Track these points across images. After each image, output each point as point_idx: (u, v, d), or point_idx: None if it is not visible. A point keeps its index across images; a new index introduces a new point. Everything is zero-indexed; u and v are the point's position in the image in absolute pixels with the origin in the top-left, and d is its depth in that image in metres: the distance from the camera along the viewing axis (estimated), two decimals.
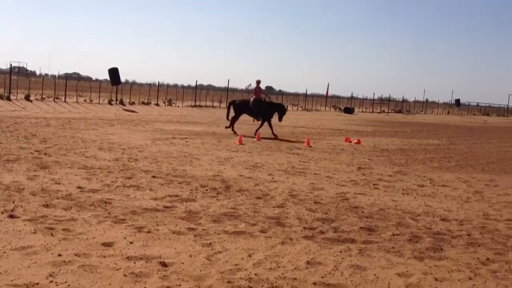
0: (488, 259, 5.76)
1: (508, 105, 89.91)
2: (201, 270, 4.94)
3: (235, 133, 20.21)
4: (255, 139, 18.61)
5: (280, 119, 20.86)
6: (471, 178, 11.91)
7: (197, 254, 5.39)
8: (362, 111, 60.19)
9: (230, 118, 21.24)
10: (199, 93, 44.65)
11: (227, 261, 5.25)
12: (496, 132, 34.43)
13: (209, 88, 75.95)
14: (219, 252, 5.52)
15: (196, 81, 46.87)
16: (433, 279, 5.04)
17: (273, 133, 20.20)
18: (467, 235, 6.76)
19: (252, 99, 21.36)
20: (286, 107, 22.48)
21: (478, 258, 5.76)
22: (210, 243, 5.78)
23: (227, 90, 50.26)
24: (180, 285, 4.54)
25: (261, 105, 20.96)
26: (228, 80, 52.83)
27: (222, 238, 6.01)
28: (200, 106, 42.12)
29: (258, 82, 21.51)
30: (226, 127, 21.31)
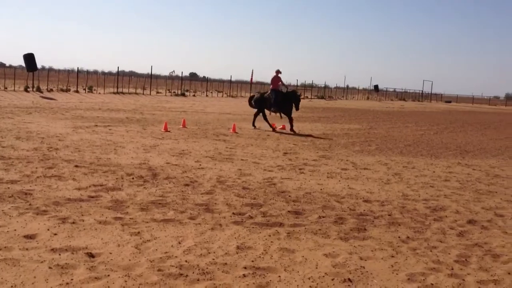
0: (408, 237, 6.08)
1: (422, 91, 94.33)
2: (130, 260, 4.87)
3: (255, 127, 19.28)
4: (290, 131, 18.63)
5: (297, 108, 19.53)
6: (390, 161, 12.46)
7: (126, 244, 5.30)
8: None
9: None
10: (121, 79, 43.49)
11: (156, 249, 5.20)
12: (412, 116, 36.11)
13: (132, 74, 74.25)
14: (148, 240, 5.45)
15: (118, 68, 45.59)
16: (358, 258, 5.25)
17: (292, 129, 18.76)
18: (388, 215, 7.08)
19: (269, 91, 19.79)
20: (299, 93, 20.81)
21: (399, 237, 6.06)
22: (139, 232, 5.70)
23: (150, 77, 49.30)
24: (108, 275, 4.45)
25: (278, 96, 19.25)
26: (151, 67, 51.83)
27: (150, 227, 5.94)
28: (122, 93, 41.06)
29: (278, 72, 19.69)
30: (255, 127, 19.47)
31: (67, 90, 37.59)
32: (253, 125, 19.55)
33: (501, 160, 13.88)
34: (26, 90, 34.12)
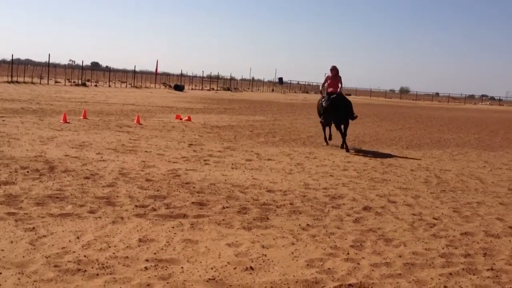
0: (308, 225, 6.29)
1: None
2: (24, 256, 4.63)
3: (327, 143, 14.79)
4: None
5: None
6: (293, 152, 12.81)
7: (19, 240, 5.03)
8: (192, 89, 60.75)
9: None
10: (16, 68, 40.97)
11: (53, 245, 4.99)
12: (315, 108, 37.32)
13: (28, 63, 70.26)
14: (44, 236, 5.22)
15: (12, 55, 42.93)
16: (260, 246, 5.36)
17: (345, 146, 13.85)
18: (290, 204, 7.28)
19: (325, 98, 14.24)
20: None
21: (299, 225, 6.26)
22: (34, 228, 5.43)
23: (48, 65, 46.89)
24: (1, 273, 4.20)
25: (344, 103, 14.11)
26: (49, 55, 49.31)
27: (47, 222, 5.68)
28: (17, 82, 38.71)
29: (334, 69, 14.19)
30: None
31: None
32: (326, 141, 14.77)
33: (394, 150, 14.74)
34: None
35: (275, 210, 6.88)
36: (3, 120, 15.02)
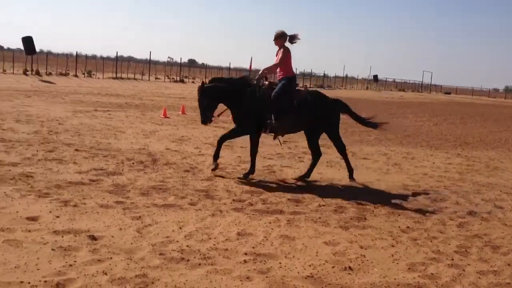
0: (408, 227, 6.11)
1: (422, 82, 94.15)
2: (132, 243, 4.89)
3: None
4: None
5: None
6: (390, 151, 12.48)
7: (127, 227, 5.32)
8: None
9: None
10: (120, 64, 43.33)
11: (158, 234, 5.22)
12: (411, 107, 36.11)
13: (130, 59, 73.96)
14: (149, 225, 5.48)
15: (117, 53, 45.45)
16: (359, 246, 5.29)
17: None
18: (388, 205, 7.11)
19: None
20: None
21: (399, 227, 6.09)
22: (140, 216, 5.72)
23: (149, 62, 49.13)
24: (111, 258, 4.47)
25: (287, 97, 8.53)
26: (150, 52, 51.62)
27: (151, 211, 5.96)
28: (121, 78, 40.93)
29: (277, 37, 8.31)
30: None
31: (66, 74, 37.46)
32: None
33: (500, 152, 13.91)
34: (25, 73, 33.98)
35: (373, 211, 6.75)
36: (109, 114, 15.95)
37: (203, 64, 75.73)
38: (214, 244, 5.03)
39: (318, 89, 57.90)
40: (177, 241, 5.03)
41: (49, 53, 54.92)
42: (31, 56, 35.26)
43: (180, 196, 6.74)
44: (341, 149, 8.74)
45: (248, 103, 8.18)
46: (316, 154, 8.67)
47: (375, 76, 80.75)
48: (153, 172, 8.04)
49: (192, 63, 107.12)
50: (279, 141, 8.91)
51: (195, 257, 4.66)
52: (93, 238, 4.90)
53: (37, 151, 8.87)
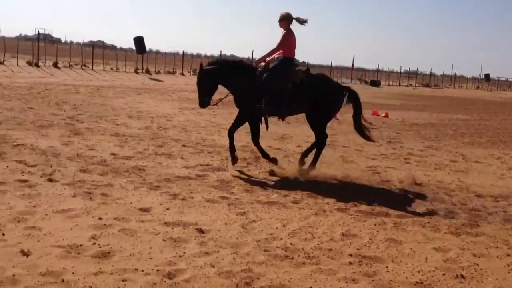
0: None
1: None
2: (237, 238, 4.99)
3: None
4: None
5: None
6: (504, 155, 11.69)
7: (232, 222, 5.43)
8: (389, 85, 59.38)
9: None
10: None
11: (262, 230, 5.28)
12: None
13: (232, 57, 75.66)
14: (253, 221, 5.55)
15: (221, 51, 46.78)
16: (471, 254, 5.00)
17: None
18: (503, 211, 6.66)
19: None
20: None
21: None
22: (244, 212, 5.82)
23: (251, 61, 49.94)
24: (218, 251, 4.59)
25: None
26: (253, 51, 52.47)
27: (255, 208, 6.04)
28: None
29: (288, 19, 8.01)
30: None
31: (173, 73, 39.12)
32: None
33: None
34: (136, 71, 35.96)
35: (486, 217, 6.35)
36: (213, 111, 16.39)
37: (304, 62, 75.71)
38: (318, 244, 5.00)
39: (424, 88, 55.68)
40: (281, 239, 5.06)
41: (157, 52, 57.71)
42: (141, 55, 37.21)
43: (283, 194, 6.77)
44: (320, 141, 8.28)
45: (245, 87, 7.97)
46: (322, 139, 8.35)
47: (487, 75, 76.23)
48: (256, 169, 8.16)
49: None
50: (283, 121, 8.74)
51: (299, 256, 4.65)
52: (201, 231, 5.06)
53: (148, 145, 9.33)
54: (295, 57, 8.17)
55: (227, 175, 7.59)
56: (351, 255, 4.77)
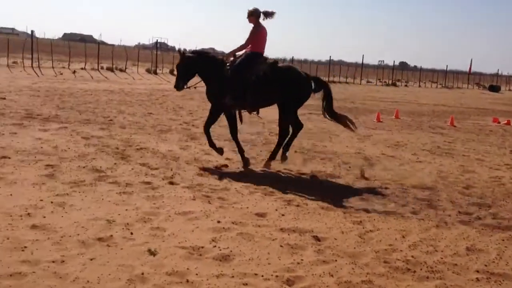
0: None
1: None
2: (355, 248, 4.88)
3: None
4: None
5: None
6: None
7: (349, 231, 5.33)
8: (510, 90, 55.59)
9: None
10: (331, 68, 44.20)
11: (380, 241, 5.13)
12: None
13: (341, 63, 75.00)
14: (370, 231, 5.41)
15: (330, 57, 46.49)
16: None
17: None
18: None
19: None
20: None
21: None
22: (361, 221, 5.69)
23: (361, 66, 49.16)
24: (336, 260, 4.52)
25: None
26: (363, 56, 51.65)
27: (372, 217, 5.89)
28: (333, 81, 41.69)
29: (257, 15, 8.18)
30: None
31: None
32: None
33: None
34: None
35: None
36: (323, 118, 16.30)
37: (415, 66, 73.18)
38: (442, 258, 4.75)
39: None
40: (401, 250, 4.87)
41: None
42: None
43: (401, 203, 6.54)
44: (284, 130, 8.34)
45: (214, 80, 8.17)
46: (295, 127, 8.46)
47: None
48: (370, 177, 7.96)
49: (403, 66, 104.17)
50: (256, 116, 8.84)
51: (421, 269, 4.45)
52: (317, 238, 5.02)
53: (260, 151, 9.47)
54: (263, 50, 8.29)
55: (341, 182, 7.49)
56: (478, 271, 4.49)
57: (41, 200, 5.54)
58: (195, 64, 8.19)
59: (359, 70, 48.37)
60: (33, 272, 3.85)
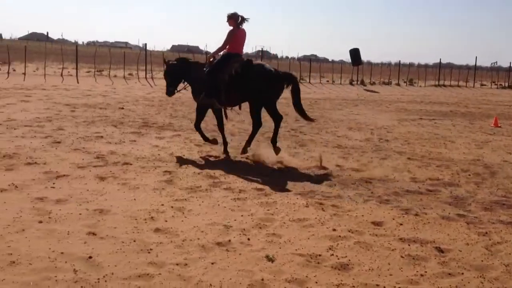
0: None
1: None
2: (482, 261, 4.58)
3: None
4: None
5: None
6: None
7: (474, 243, 5.02)
8: None
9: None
10: (442, 72, 42.30)
11: (510, 254, 4.77)
12: None
13: (451, 66, 71.69)
14: (498, 243, 5.05)
15: (440, 59, 44.53)
16: None
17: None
18: None
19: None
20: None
21: None
22: (486, 233, 5.33)
23: (474, 68, 46.59)
24: (462, 273, 4.27)
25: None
26: (476, 58, 48.94)
27: (498, 228, 5.50)
28: (444, 85, 39.90)
29: (236, 18, 8.85)
30: None
31: (388, 83, 38.50)
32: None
33: None
34: (351, 83, 36.28)
35: None
36: (435, 123, 15.63)
37: None
38: None
39: None
40: None
41: (368, 63, 57.50)
42: (357, 67, 37.41)
43: None
44: (256, 126, 8.86)
45: (194, 81, 9.00)
46: (275, 118, 8.93)
47: None
48: (493, 186, 7.46)
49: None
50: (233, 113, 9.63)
51: None
52: (440, 250, 4.77)
53: (372, 158, 9.24)
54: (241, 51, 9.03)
55: (461, 191, 7.09)
56: None
57: (162, 205, 5.79)
58: (178, 70, 9.20)
59: (471, 72, 45.83)
60: (159, 273, 4.02)
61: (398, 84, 38.58)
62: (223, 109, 9.08)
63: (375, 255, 4.59)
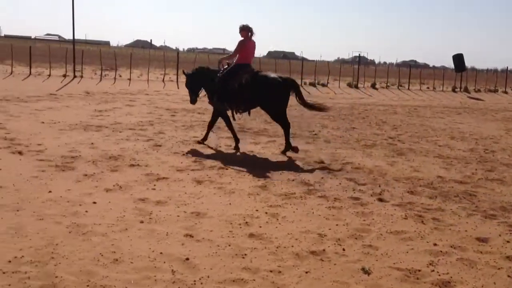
0: None
1: None
2: None
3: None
4: None
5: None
6: None
7: None
8: None
9: None
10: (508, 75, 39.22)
11: None
12: None
13: None
14: None
15: (507, 67, 41.32)
16: None
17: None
18: None
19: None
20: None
21: None
22: None
23: None
24: None
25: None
26: None
27: None
28: None
29: (248, 30, 9.56)
30: None
31: (495, 91, 36.36)
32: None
33: None
34: (453, 90, 34.67)
35: None
36: None
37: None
38: None
39: None
40: None
41: (474, 69, 54.57)
42: (460, 73, 35.69)
43: None
44: (285, 127, 9.45)
45: (209, 87, 9.75)
46: (284, 126, 9.47)
47: None
48: None
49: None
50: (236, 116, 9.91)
51: None
52: None
53: (476, 169, 8.73)
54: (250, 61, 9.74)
55: None
56: None
57: (257, 210, 5.82)
58: (195, 79, 9.97)
59: None
60: (253, 279, 4.03)
61: (505, 92, 36.32)
62: (232, 112, 9.75)
63: (479, 273, 4.31)
